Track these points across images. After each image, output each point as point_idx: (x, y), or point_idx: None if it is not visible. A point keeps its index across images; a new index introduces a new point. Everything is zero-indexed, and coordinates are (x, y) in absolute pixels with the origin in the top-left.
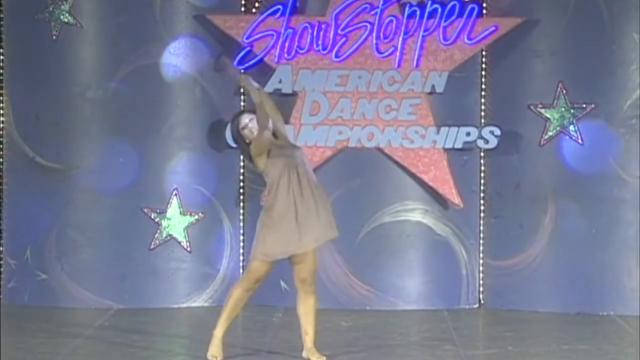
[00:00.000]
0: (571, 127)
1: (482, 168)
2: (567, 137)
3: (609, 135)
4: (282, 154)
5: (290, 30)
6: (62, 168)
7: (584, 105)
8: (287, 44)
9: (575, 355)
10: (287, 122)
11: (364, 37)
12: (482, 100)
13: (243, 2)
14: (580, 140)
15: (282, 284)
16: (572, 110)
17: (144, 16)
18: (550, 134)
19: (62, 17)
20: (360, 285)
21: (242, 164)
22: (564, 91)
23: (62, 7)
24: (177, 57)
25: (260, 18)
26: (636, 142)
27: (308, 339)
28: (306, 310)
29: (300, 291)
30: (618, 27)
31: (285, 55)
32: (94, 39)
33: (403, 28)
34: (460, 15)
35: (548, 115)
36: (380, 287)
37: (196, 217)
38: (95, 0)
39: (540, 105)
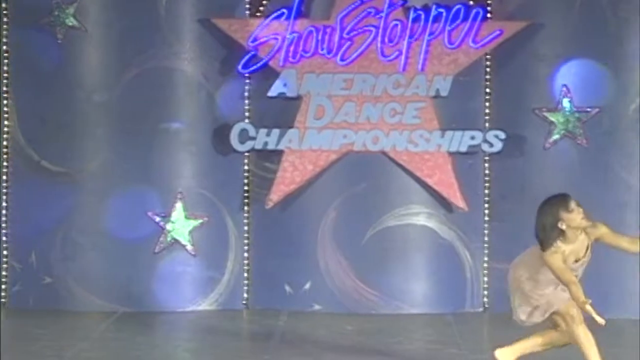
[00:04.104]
0: (576, 131)
1: (487, 172)
2: (572, 141)
3: (614, 139)
4: None
5: (295, 34)
6: (67, 172)
7: (589, 109)
8: (292, 48)
9: (579, 357)
10: (291, 125)
11: (369, 41)
12: (487, 104)
13: (248, 5)
14: (585, 144)
15: (287, 287)
16: (576, 114)
17: (149, 20)
18: (555, 137)
19: (67, 21)
20: (365, 289)
21: (246, 167)
22: (569, 95)
23: (67, 11)
24: (182, 61)
25: (266, 22)
26: None
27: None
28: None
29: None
30: (624, 30)
31: (290, 59)
32: (99, 43)
33: (408, 32)
34: (465, 19)
35: (553, 119)
36: (385, 291)
37: (201, 221)
38: (100, 5)
39: (545, 109)
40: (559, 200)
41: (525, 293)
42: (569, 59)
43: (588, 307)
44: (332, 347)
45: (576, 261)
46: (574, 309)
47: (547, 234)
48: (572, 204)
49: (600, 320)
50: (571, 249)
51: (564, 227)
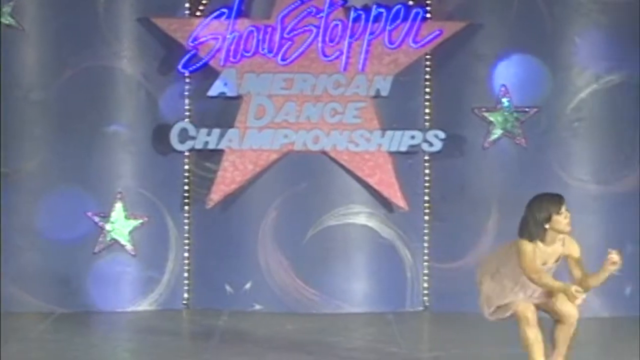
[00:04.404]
0: (514, 131)
1: (427, 171)
2: (511, 141)
3: (552, 138)
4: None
5: (236, 34)
6: (4, 171)
7: (527, 109)
8: (232, 48)
9: (518, 358)
10: (232, 125)
11: (309, 40)
12: (427, 103)
13: (188, 5)
14: (523, 144)
15: (228, 287)
16: (515, 114)
17: (87, 19)
18: (494, 137)
19: (3, 19)
20: (306, 289)
21: (186, 167)
22: (507, 95)
23: (4, 9)
24: (121, 60)
25: (206, 21)
26: (579, 146)
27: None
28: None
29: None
30: (560, 31)
31: (231, 58)
32: (37, 41)
33: (349, 32)
34: (405, 19)
35: (492, 119)
36: (326, 290)
37: (141, 221)
38: (37, 3)
39: (484, 109)
40: (554, 200)
41: (488, 293)
42: (508, 59)
43: (573, 291)
44: (272, 347)
45: (543, 264)
46: (530, 312)
47: (537, 228)
48: (564, 207)
49: (581, 296)
50: (544, 251)
51: (547, 226)
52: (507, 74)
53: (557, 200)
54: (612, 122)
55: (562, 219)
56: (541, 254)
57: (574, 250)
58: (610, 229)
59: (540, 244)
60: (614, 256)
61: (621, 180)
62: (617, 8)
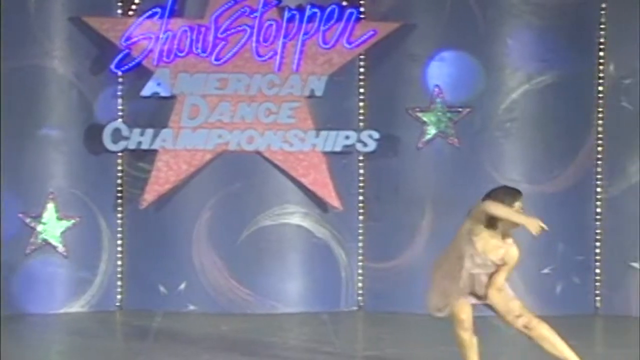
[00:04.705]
0: (448, 131)
1: (361, 171)
2: (444, 141)
3: (484, 138)
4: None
5: (169, 33)
6: None
7: (460, 109)
8: (165, 47)
9: (452, 357)
10: (165, 125)
11: (243, 40)
12: (361, 104)
13: (120, 4)
14: (456, 144)
15: (161, 288)
16: (448, 114)
17: (18, 18)
18: (427, 137)
19: None
20: (240, 289)
21: (120, 167)
22: (441, 95)
23: None
24: (52, 60)
25: (139, 21)
26: (511, 146)
27: None
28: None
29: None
30: (492, 32)
31: (164, 58)
32: None
33: (283, 32)
34: (339, 19)
35: (425, 119)
36: (260, 290)
37: (73, 221)
38: None
39: (418, 109)
40: (511, 192)
41: (436, 291)
42: (441, 60)
43: (538, 226)
44: (207, 348)
45: (482, 253)
46: (464, 314)
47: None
48: (518, 203)
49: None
50: (487, 241)
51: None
52: (440, 74)
53: (513, 192)
54: (543, 123)
55: (515, 209)
56: (484, 243)
57: (513, 255)
58: None
59: (486, 231)
60: None
61: (552, 180)
62: (549, 9)
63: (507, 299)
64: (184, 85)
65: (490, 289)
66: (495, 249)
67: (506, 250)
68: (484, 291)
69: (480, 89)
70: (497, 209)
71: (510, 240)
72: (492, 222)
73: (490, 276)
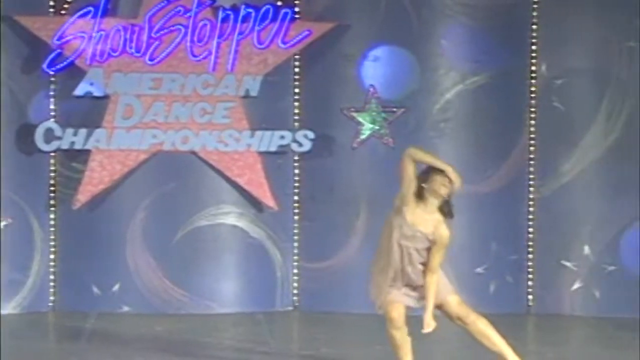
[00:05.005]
0: (382, 131)
1: (297, 171)
2: (379, 141)
3: (419, 138)
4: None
5: (102, 33)
6: None
7: (395, 109)
8: (99, 47)
9: (387, 356)
10: (99, 125)
11: (178, 40)
12: (296, 104)
13: (52, 3)
14: (391, 144)
15: (95, 289)
16: (383, 114)
17: None
18: (362, 137)
19: None
20: (175, 290)
21: (52, 167)
22: (375, 95)
23: None
24: None
25: (71, 20)
26: (445, 146)
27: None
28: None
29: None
30: (426, 32)
31: (97, 57)
32: None
33: (217, 32)
34: (274, 19)
35: (360, 119)
36: (195, 290)
37: (4, 222)
38: None
39: (353, 109)
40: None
41: (373, 287)
42: (376, 60)
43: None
44: (141, 349)
45: (412, 225)
46: (395, 313)
47: (419, 181)
48: (448, 180)
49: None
50: (416, 212)
51: (424, 185)
52: (375, 74)
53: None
54: (477, 123)
55: (439, 179)
56: (414, 214)
57: (440, 237)
58: (476, 228)
59: (413, 203)
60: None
61: (486, 180)
62: (481, 10)
63: (445, 291)
64: (117, 85)
65: (427, 273)
66: (424, 221)
67: (435, 226)
68: (417, 279)
69: (415, 89)
70: (421, 153)
71: (439, 217)
72: (420, 193)
73: (424, 262)
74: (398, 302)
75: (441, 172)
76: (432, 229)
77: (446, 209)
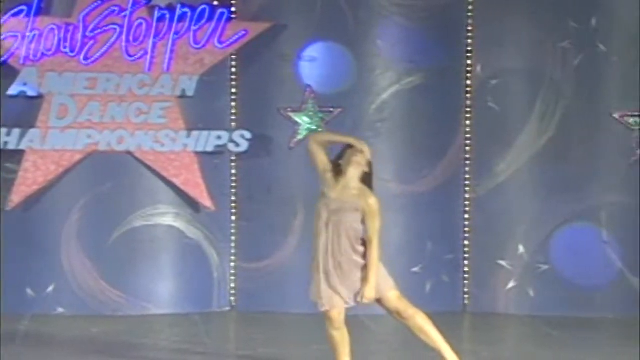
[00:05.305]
0: (319, 131)
1: (234, 171)
2: None
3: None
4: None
5: (36, 32)
6: None
7: (332, 109)
8: (32, 46)
9: (324, 356)
10: (33, 125)
11: (113, 39)
12: (233, 104)
13: None
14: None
15: (29, 290)
16: (320, 114)
17: None
18: (299, 137)
19: None
20: (111, 291)
21: None
22: (312, 95)
23: None
24: None
25: (4, 19)
26: (381, 145)
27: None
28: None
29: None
30: (362, 33)
31: (31, 57)
32: None
33: (153, 31)
34: (210, 19)
35: (297, 119)
36: (131, 292)
37: None
38: None
39: (290, 109)
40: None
41: (314, 285)
42: (312, 60)
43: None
44: (77, 351)
45: (336, 200)
46: (335, 313)
47: (336, 157)
48: (361, 154)
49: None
50: (337, 186)
51: (340, 162)
52: (311, 74)
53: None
54: (413, 123)
55: (349, 151)
56: (336, 188)
57: (369, 206)
58: (412, 228)
59: (337, 180)
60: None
61: (422, 179)
62: (417, 11)
63: (385, 286)
64: (52, 85)
65: (368, 247)
66: (348, 193)
67: (360, 195)
68: (350, 272)
69: (351, 89)
70: (321, 134)
71: (362, 186)
72: (337, 170)
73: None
74: (338, 301)
75: (350, 146)
76: (357, 198)
77: (367, 181)
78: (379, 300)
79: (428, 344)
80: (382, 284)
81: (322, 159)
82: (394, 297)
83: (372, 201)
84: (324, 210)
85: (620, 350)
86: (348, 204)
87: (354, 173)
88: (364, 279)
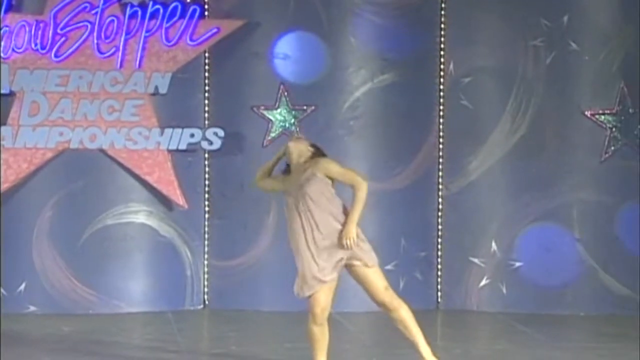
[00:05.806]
0: (293, 129)
1: (207, 169)
2: (290, 138)
3: (329, 136)
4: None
5: (6, 29)
6: None
7: (305, 107)
8: (2, 43)
9: (297, 353)
10: (4, 123)
11: (84, 36)
12: (206, 101)
13: None
14: None
15: (0, 289)
16: (293, 112)
17: None
18: (272, 135)
19: None
20: (82, 289)
21: None
22: (286, 93)
23: None
24: None
25: None
26: (354, 143)
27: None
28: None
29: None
30: (335, 31)
31: (2, 54)
32: None
33: (125, 28)
34: (182, 16)
35: (270, 117)
36: (103, 290)
37: None
38: None
39: (263, 107)
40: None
41: (299, 276)
42: (285, 57)
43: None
44: (48, 350)
45: (295, 184)
46: (318, 309)
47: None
48: (289, 146)
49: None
50: (291, 176)
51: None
52: (285, 72)
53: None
54: (386, 121)
55: (283, 157)
56: (290, 178)
57: (324, 165)
58: (385, 225)
59: (289, 174)
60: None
61: (395, 177)
62: (390, 9)
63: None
64: (23, 82)
65: (354, 193)
66: (299, 167)
67: (313, 164)
68: (326, 241)
69: (325, 87)
70: (260, 170)
71: (311, 159)
72: (286, 169)
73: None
74: (323, 295)
75: (282, 155)
76: (310, 167)
77: (319, 152)
78: (366, 288)
79: (406, 337)
80: (376, 278)
81: (274, 184)
82: (382, 287)
83: (325, 160)
84: (289, 198)
85: (591, 346)
86: (304, 176)
87: (300, 162)
88: (348, 218)
